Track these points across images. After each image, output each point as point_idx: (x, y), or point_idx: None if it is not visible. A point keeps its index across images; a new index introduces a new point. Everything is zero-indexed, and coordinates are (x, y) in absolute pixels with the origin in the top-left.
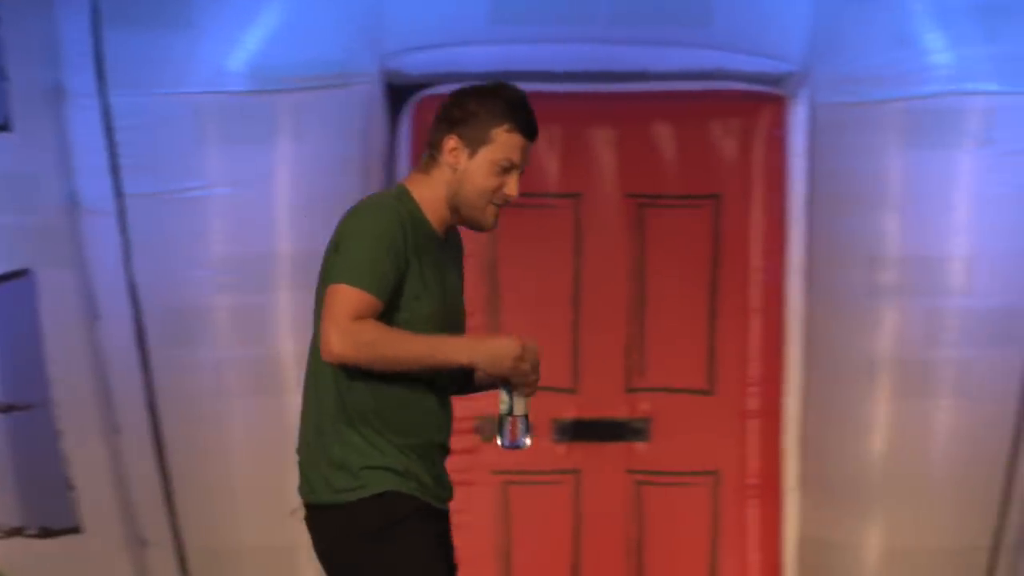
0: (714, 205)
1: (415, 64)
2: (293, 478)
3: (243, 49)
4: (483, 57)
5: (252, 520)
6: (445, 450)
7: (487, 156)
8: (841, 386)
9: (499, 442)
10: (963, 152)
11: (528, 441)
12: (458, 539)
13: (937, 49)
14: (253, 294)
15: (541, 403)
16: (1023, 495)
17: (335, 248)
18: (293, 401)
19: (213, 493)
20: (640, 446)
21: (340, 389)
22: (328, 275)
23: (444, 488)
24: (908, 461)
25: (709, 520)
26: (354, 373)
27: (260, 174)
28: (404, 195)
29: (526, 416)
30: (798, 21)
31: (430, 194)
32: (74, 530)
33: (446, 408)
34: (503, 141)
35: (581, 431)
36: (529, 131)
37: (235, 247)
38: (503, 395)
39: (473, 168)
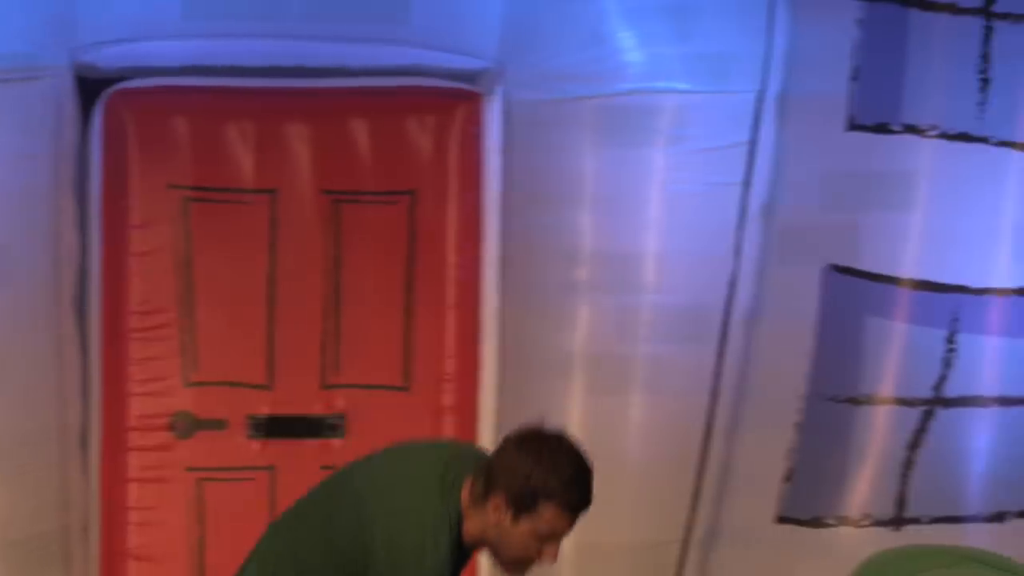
0: (410, 201)
1: (107, 58)
2: None
3: None
4: (176, 52)
5: None
6: None
7: (531, 526)
8: (536, 382)
9: None
10: (654, 150)
11: None
12: (152, 536)
13: (629, 47)
14: None
15: (236, 400)
16: (713, 490)
17: (388, 567)
18: None
19: None
20: (336, 442)
21: None
22: None
23: None
24: (601, 456)
25: None
26: None
27: None
28: (455, 509)
29: None
30: (493, 18)
31: (476, 524)
32: None
33: None
34: (551, 518)
35: (276, 428)
36: (577, 512)
37: None
38: None
39: (515, 533)
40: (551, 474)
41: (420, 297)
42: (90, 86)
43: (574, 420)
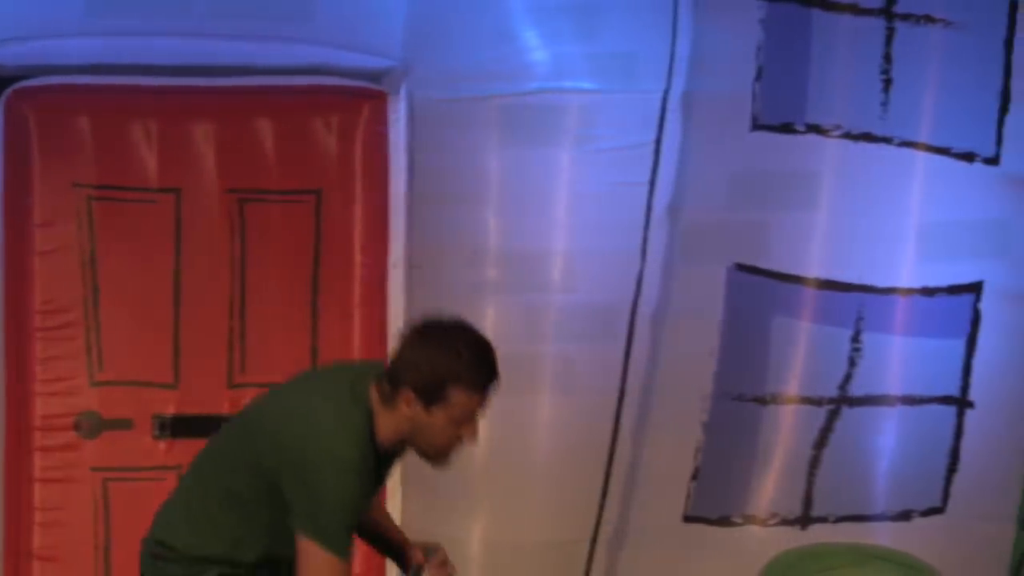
0: (316, 201)
1: (9, 56)
2: None
3: None
4: (80, 49)
5: None
6: None
7: (444, 413)
8: None
9: None
10: (560, 149)
11: None
12: (57, 537)
13: (534, 47)
14: None
15: (142, 399)
16: (620, 490)
17: (301, 470)
18: None
19: None
20: None
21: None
22: (298, 506)
23: None
24: (510, 455)
25: None
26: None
27: None
28: (363, 411)
29: None
30: (398, 17)
31: (389, 424)
32: None
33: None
34: (462, 403)
35: (182, 427)
36: (488, 389)
37: None
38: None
39: (431, 423)
40: (454, 359)
41: (326, 296)
42: None
43: (482, 420)
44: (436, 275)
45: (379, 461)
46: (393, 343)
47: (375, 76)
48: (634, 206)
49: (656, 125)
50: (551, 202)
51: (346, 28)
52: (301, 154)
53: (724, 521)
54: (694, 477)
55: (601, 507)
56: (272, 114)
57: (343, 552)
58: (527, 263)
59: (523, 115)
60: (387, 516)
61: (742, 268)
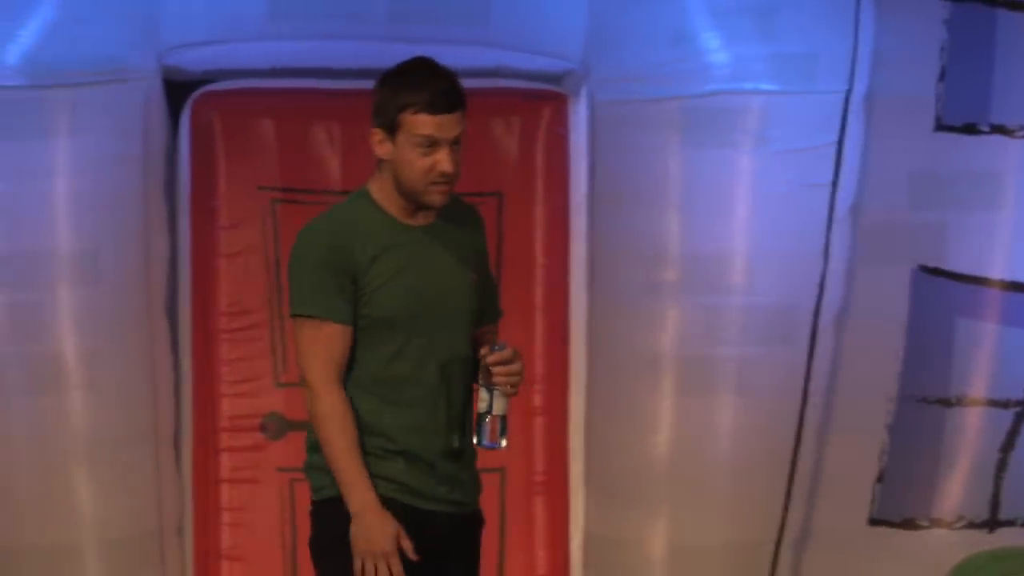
0: (497, 203)
1: (193, 60)
2: (74, 477)
3: (17, 43)
4: (262, 53)
5: (34, 519)
6: (449, 454)
7: (404, 142)
8: (624, 383)
9: (475, 440)
10: (740, 151)
11: (504, 442)
12: (245, 537)
13: (713, 48)
14: (31, 291)
15: None
16: (804, 492)
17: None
18: (74, 399)
19: None
20: None
21: None
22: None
23: (440, 491)
24: (692, 458)
25: (496, 517)
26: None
27: (36, 171)
28: (359, 196)
29: (504, 416)
30: (576, 19)
31: (386, 187)
32: None
33: (443, 412)
34: (411, 125)
35: None
36: (430, 108)
37: (11, 244)
38: (483, 393)
39: (398, 156)
40: (401, 89)
41: (508, 298)
42: (177, 89)
43: (664, 421)
44: (617, 277)
45: (410, 233)
46: (575, 345)
47: (554, 79)
48: (816, 208)
49: (838, 126)
50: (732, 204)
51: (524, 31)
52: (481, 157)
53: (909, 524)
54: (879, 479)
55: (785, 509)
56: None
57: (311, 310)
58: (707, 265)
59: (703, 117)
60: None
61: (925, 270)
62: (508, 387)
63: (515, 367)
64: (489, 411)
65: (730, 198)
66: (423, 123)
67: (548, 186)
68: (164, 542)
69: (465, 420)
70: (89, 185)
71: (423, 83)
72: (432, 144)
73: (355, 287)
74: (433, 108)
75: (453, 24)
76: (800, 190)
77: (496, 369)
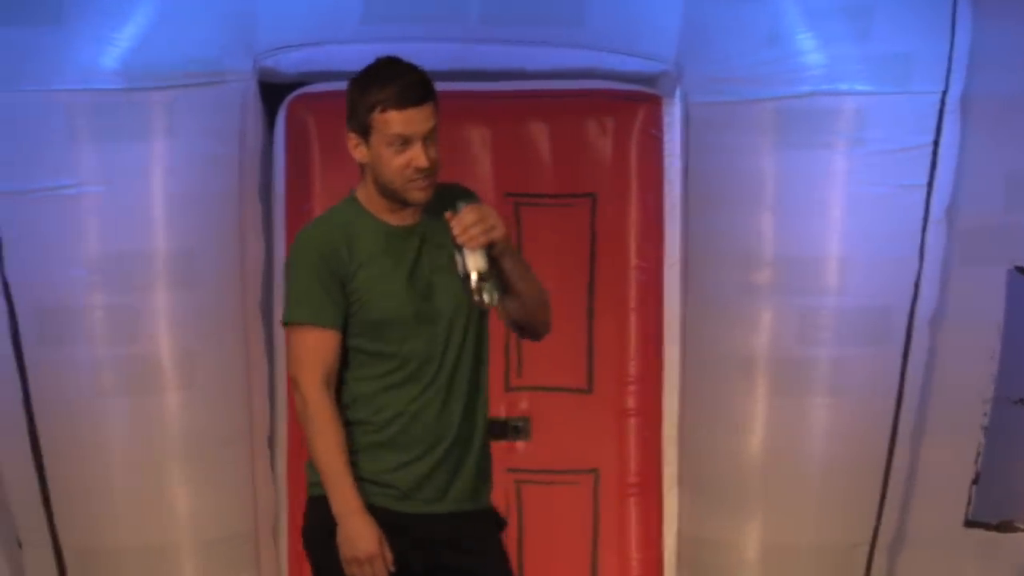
0: (590, 204)
1: (289, 63)
2: (171, 477)
3: (116, 46)
4: (356, 55)
5: (131, 520)
6: (451, 448)
7: (377, 142)
8: (718, 384)
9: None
10: (835, 152)
11: (488, 299)
12: None
13: (808, 49)
14: (128, 293)
15: None
16: (899, 494)
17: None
18: (171, 400)
19: (90, 493)
20: (520, 445)
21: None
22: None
23: (430, 492)
24: (786, 459)
25: (590, 519)
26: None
27: (134, 172)
28: (348, 201)
29: (484, 273)
30: (671, 21)
31: (369, 190)
32: None
33: (444, 404)
34: (381, 124)
35: None
36: (397, 103)
37: (109, 245)
38: (456, 257)
39: (374, 157)
40: (368, 88)
41: (602, 299)
42: (272, 90)
43: (757, 422)
44: (710, 278)
45: (398, 234)
46: (669, 346)
47: (649, 80)
48: (911, 209)
49: (934, 127)
50: (826, 205)
51: (618, 32)
52: (576, 158)
53: (1006, 526)
54: (975, 481)
55: (880, 511)
56: (546, 118)
57: (300, 316)
58: (802, 266)
59: (798, 118)
60: None
61: (1021, 271)
62: (472, 242)
63: (467, 219)
64: (466, 272)
65: (824, 199)
66: (393, 120)
67: (642, 187)
68: (259, 543)
69: (472, 411)
70: (185, 186)
71: (389, 79)
72: (405, 142)
73: (345, 291)
74: (401, 103)
75: (547, 26)
76: (895, 191)
77: (453, 228)
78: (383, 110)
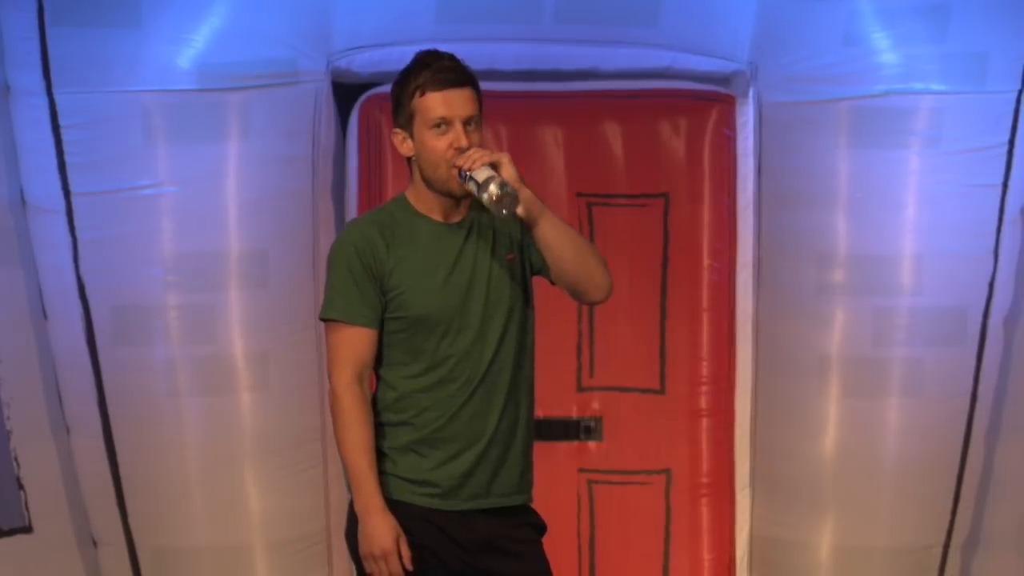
0: (663, 204)
1: (363, 63)
2: (246, 477)
3: (191, 47)
4: None
5: (205, 520)
6: (492, 447)
7: (420, 129)
8: (791, 385)
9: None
10: (910, 151)
11: (503, 194)
12: None
13: (883, 48)
14: (203, 292)
15: None
16: (973, 494)
17: None
18: (245, 400)
19: (165, 493)
20: (592, 445)
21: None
22: None
23: (473, 488)
24: (859, 459)
25: (661, 519)
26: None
27: (209, 172)
28: (397, 199)
29: (487, 181)
30: (745, 21)
31: (418, 188)
32: (25, 530)
33: (484, 404)
34: (421, 108)
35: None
36: (436, 84)
37: (184, 245)
38: (471, 186)
39: (419, 145)
40: (407, 77)
41: (674, 300)
42: (345, 90)
43: (830, 423)
44: (783, 278)
45: (438, 231)
46: (742, 347)
47: (722, 80)
48: (986, 208)
49: (1009, 126)
50: (900, 204)
51: (691, 32)
52: (648, 158)
53: None
54: None
55: (954, 512)
56: (619, 118)
57: (336, 314)
58: (875, 266)
59: (872, 117)
60: None
61: None
62: (475, 164)
63: (469, 151)
64: (478, 189)
65: (899, 199)
66: (432, 102)
67: (715, 187)
68: (331, 543)
69: (515, 407)
70: (259, 186)
71: (426, 64)
72: (446, 124)
73: (382, 289)
74: (439, 84)
75: (621, 25)
76: (970, 191)
77: (457, 162)
78: (423, 93)
